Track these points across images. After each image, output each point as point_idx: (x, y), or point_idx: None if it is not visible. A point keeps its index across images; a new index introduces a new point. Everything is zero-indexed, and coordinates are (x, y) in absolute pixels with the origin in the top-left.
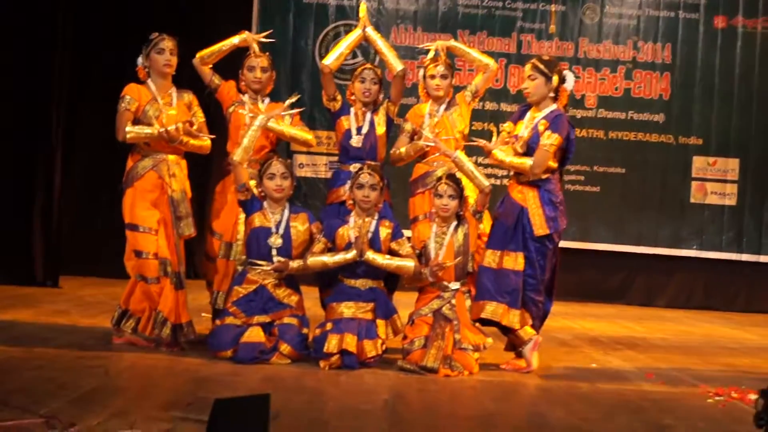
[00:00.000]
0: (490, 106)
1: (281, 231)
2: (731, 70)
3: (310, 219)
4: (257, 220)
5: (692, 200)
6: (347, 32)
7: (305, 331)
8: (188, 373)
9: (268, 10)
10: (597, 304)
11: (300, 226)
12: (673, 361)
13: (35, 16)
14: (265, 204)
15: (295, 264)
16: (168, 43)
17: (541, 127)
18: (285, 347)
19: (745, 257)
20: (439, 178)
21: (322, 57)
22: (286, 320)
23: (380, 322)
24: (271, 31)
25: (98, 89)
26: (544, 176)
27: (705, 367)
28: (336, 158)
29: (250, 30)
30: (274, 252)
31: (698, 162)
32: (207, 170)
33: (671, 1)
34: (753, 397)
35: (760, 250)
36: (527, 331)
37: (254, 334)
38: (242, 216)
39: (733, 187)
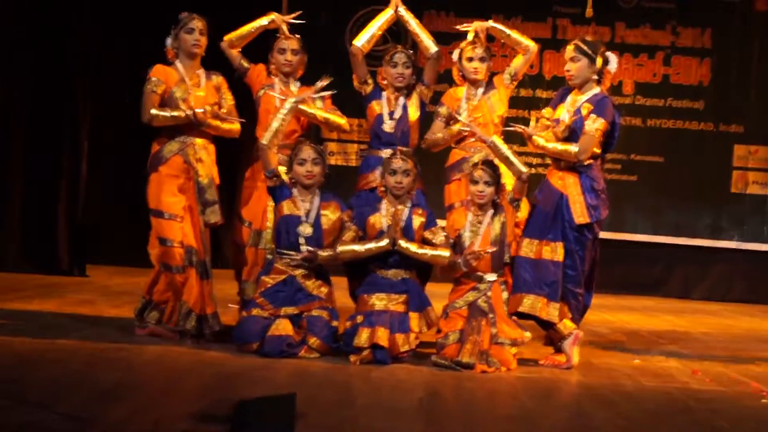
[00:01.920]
0: (524, 92)
1: (311, 219)
2: None
3: (341, 207)
4: (286, 207)
5: (733, 190)
6: None
7: (335, 323)
8: (213, 368)
9: None
10: (633, 296)
11: (331, 215)
12: (718, 357)
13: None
14: (294, 191)
15: (324, 253)
16: (198, 23)
17: (584, 111)
18: (314, 340)
19: None
20: (475, 164)
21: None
22: (315, 312)
23: (413, 315)
24: (300, 12)
25: (125, 74)
26: (587, 162)
27: (753, 364)
28: (367, 146)
29: (279, 11)
30: (302, 241)
31: (739, 150)
32: (236, 155)
33: None
34: None
35: None
36: (567, 325)
37: (282, 327)
38: (272, 203)
39: None
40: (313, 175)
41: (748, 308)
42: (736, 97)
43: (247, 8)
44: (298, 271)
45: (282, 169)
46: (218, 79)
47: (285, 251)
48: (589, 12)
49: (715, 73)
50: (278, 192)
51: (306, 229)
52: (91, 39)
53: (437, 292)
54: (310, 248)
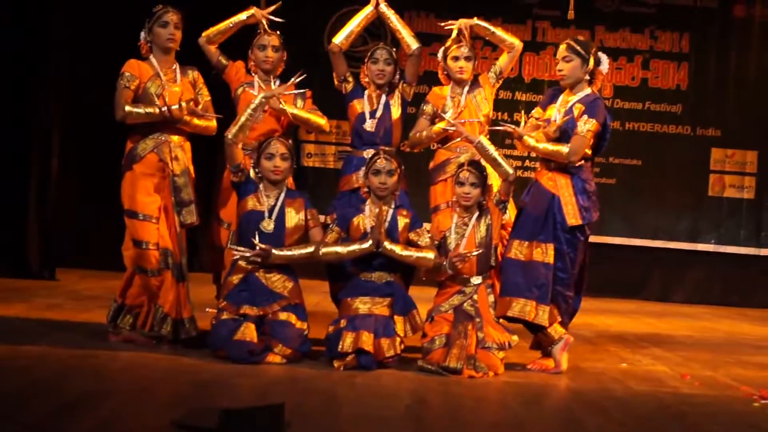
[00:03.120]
0: (504, 95)
1: (274, 215)
2: (749, 60)
3: (306, 204)
4: (250, 202)
5: (710, 193)
6: None
7: (303, 325)
8: (188, 375)
9: None
10: (613, 299)
11: (295, 212)
12: (704, 361)
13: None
14: (260, 186)
15: (279, 252)
16: (173, 17)
17: (576, 112)
18: (281, 348)
19: (764, 252)
20: (462, 165)
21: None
22: (282, 316)
23: (398, 319)
24: (279, 4)
25: (96, 69)
26: (578, 164)
27: (739, 366)
28: (345, 147)
29: (258, 4)
30: (256, 239)
31: (716, 154)
32: (210, 154)
33: None
34: None
35: None
36: (557, 330)
37: (247, 332)
38: None
39: (751, 180)
40: (280, 171)
41: (726, 311)
42: (713, 102)
43: (222, 1)
44: (260, 269)
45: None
46: (194, 75)
47: (237, 248)
48: (571, 14)
49: (693, 77)
50: (243, 187)
51: (268, 225)
52: (60, 34)
53: (418, 296)
54: (263, 245)
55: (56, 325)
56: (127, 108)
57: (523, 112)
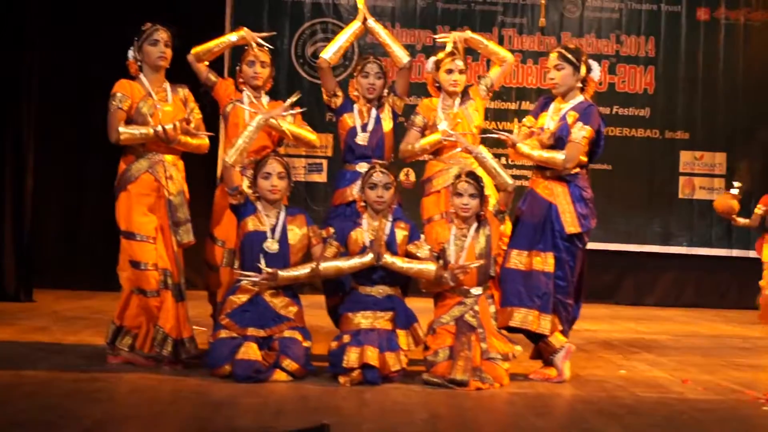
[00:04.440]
0: None
1: (277, 235)
2: (715, 62)
3: (307, 221)
4: (251, 224)
5: (680, 196)
6: (323, 30)
7: (308, 344)
8: (199, 396)
9: (241, 9)
10: (588, 304)
11: (298, 230)
12: (698, 364)
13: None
14: (259, 206)
15: (285, 274)
16: (163, 34)
17: (570, 119)
18: (289, 363)
19: (735, 252)
20: (458, 176)
21: (298, 56)
22: (288, 334)
23: (401, 332)
24: (274, 33)
25: (71, 87)
26: (573, 171)
27: (734, 369)
28: (315, 160)
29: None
30: (262, 262)
31: (685, 156)
32: (198, 172)
33: None
34: None
35: (749, 245)
36: (558, 339)
37: (250, 351)
38: None
39: (720, 182)
40: (278, 190)
41: (701, 312)
42: (681, 105)
43: (189, 25)
44: (264, 291)
45: (245, 183)
46: (185, 92)
47: (244, 273)
48: (542, 22)
49: (660, 80)
50: (242, 208)
51: (273, 246)
52: (35, 46)
53: (415, 307)
54: (269, 269)
55: (50, 348)
56: (122, 129)
57: (516, 120)
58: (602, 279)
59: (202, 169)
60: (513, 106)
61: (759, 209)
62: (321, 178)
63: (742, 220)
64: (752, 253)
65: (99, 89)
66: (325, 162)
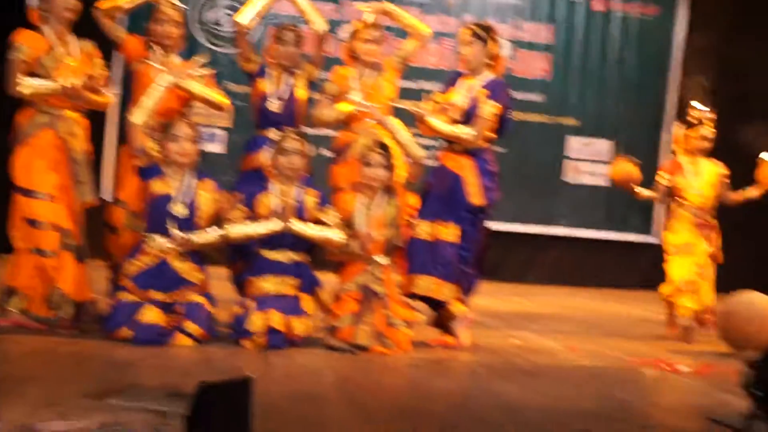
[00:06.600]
0: None
1: (186, 199)
2: (607, 54)
3: (216, 186)
4: (157, 186)
5: (566, 179)
6: None
7: (213, 310)
8: (104, 358)
9: None
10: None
11: (207, 195)
12: (581, 334)
13: None
14: (166, 169)
15: (199, 239)
16: None
17: (479, 95)
18: (193, 327)
19: (613, 235)
20: (369, 147)
21: (199, 23)
22: (193, 298)
23: (305, 297)
24: None
25: None
26: (481, 146)
27: (614, 340)
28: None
29: None
30: (173, 225)
31: (573, 142)
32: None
33: None
34: (683, 369)
35: (626, 228)
36: (458, 307)
37: (152, 314)
38: None
39: (605, 168)
40: (186, 153)
41: (579, 291)
42: (573, 92)
43: None
44: (171, 255)
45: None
46: (90, 47)
47: (155, 237)
48: (450, 2)
49: (556, 68)
50: (147, 171)
51: (180, 209)
52: None
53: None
54: (182, 234)
55: None
56: (26, 81)
57: (426, 95)
58: (488, 256)
59: (105, 128)
60: (414, 85)
61: (663, 179)
62: (214, 148)
63: (645, 192)
64: (630, 237)
65: None
66: (225, 134)
